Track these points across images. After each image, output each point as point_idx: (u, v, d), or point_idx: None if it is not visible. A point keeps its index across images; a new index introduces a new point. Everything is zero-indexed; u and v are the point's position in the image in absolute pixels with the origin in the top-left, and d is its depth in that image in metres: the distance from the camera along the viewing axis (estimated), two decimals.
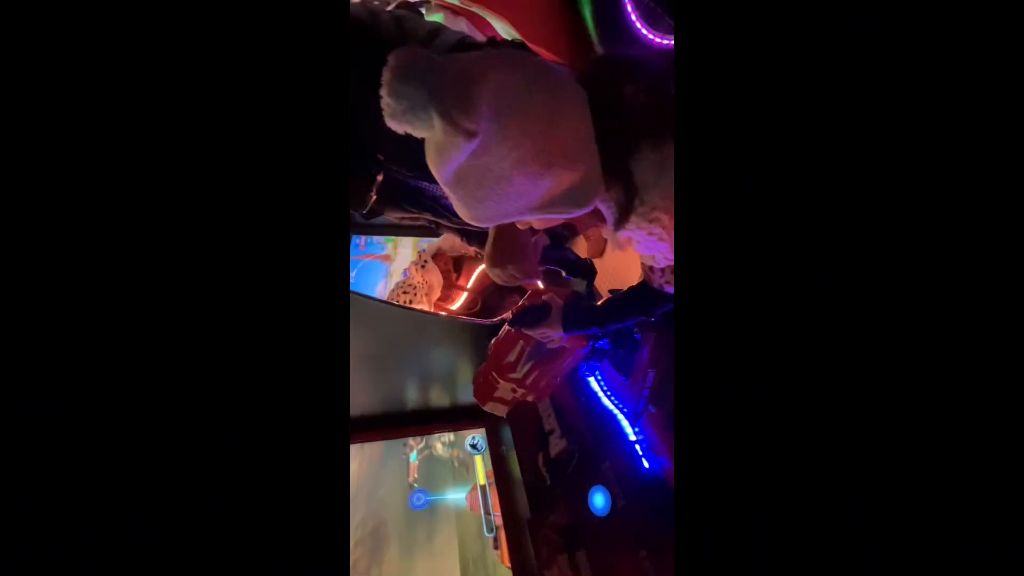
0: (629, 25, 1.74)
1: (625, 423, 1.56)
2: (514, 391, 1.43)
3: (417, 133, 0.76)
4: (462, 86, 0.72)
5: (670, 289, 1.03)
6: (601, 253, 1.51)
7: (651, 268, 1.03)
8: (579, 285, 1.52)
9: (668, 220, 0.84)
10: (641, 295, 1.11)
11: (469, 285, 1.99)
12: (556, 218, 0.83)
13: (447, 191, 0.80)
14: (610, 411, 1.62)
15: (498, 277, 1.16)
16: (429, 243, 2.16)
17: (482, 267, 1.94)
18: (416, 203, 1.30)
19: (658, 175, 0.83)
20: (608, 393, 1.65)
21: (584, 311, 1.25)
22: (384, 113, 0.72)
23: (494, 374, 1.41)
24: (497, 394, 1.44)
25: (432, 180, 0.98)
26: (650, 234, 0.86)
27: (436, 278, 1.99)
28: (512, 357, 1.43)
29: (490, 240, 1.14)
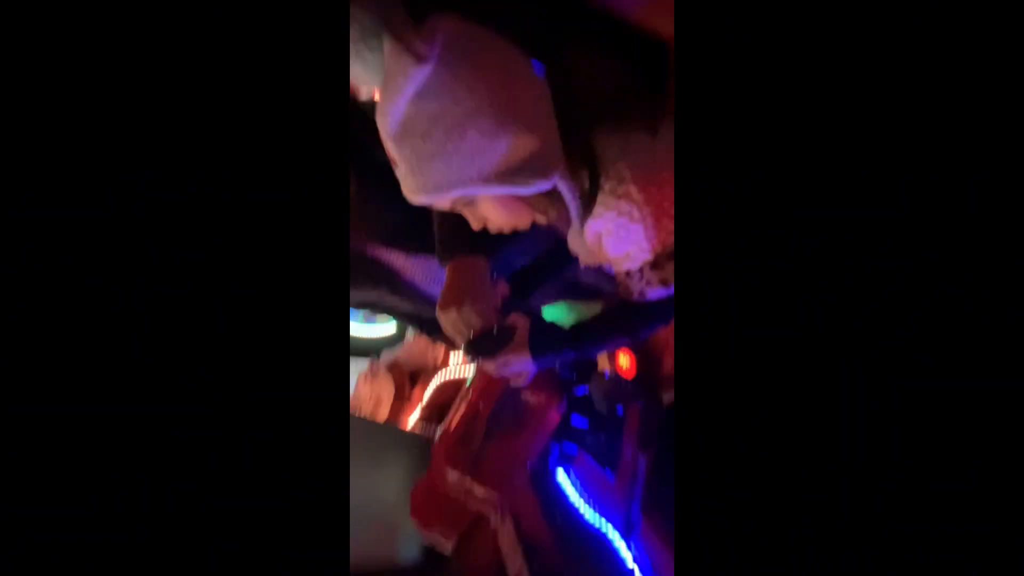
0: None
1: (617, 541, 1.28)
2: (468, 492, 1.17)
3: (365, 71, 0.72)
4: (418, 20, 0.69)
5: (653, 293, 0.91)
6: None
7: (627, 274, 0.92)
8: None
9: (637, 192, 0.80)
10: (620, 310, 0.99)
11: (424, 400, 1.75)
12: (516, 191, 0.75)
13: (394, 151, 0.72)
14: (595, 527, 1.34)
15: (452, 325, 1.03)
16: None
17: (440, 378, 1.76)
18: (372, 278, 1.25)
19: (622, 148, 0.80)
20: (589, 500, 1.37)
21: (556, 330, 1.05)
22: None
23: (443, 464, 1.17)
24: (446, 507, 1.16)
25: (393, 243, 1.11)
26: (620, 214, 0.82)
27: (387, 389, 1.79)
28: (467, 430, 1.20)
29: (446, 281, 1.04)
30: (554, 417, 1.29)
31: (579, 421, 1.31)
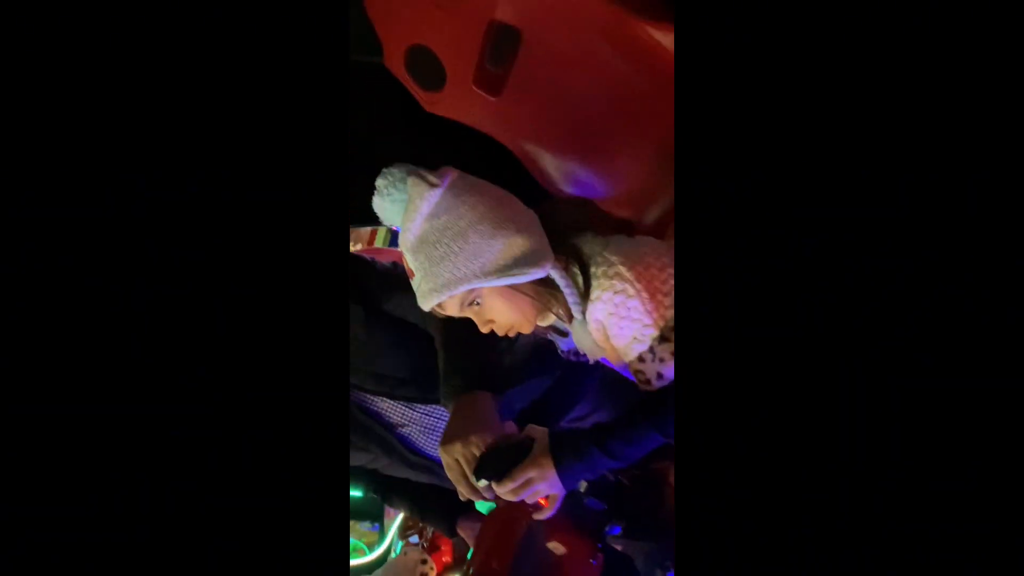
0: None
1: None
2: None
3: (392, 207, 0.89)
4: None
5: (669, 370, 0.90)
6: None
7: (640, 359, 0.91)
8: None
9: (627, 271, 0.88)
10: (645, 403, 0.93)
11: None
12: (514, 281, 0.87)
13: (411, 262, 0.88)
14: None
15: (455, 465, 0.96)
16: None
17: None
18: (368, 435, 1.23)
19: (604, 243, 0.93)
20: None
21: (580, 435, 0.93)
22: (375, 194, 0.90)
23: None
24: None
25: (392, 395, 1.21)
26: (615, 292, 0.89)
27: None
28: None
29: (450, 417, 1.04)
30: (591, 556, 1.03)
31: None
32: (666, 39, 1.00)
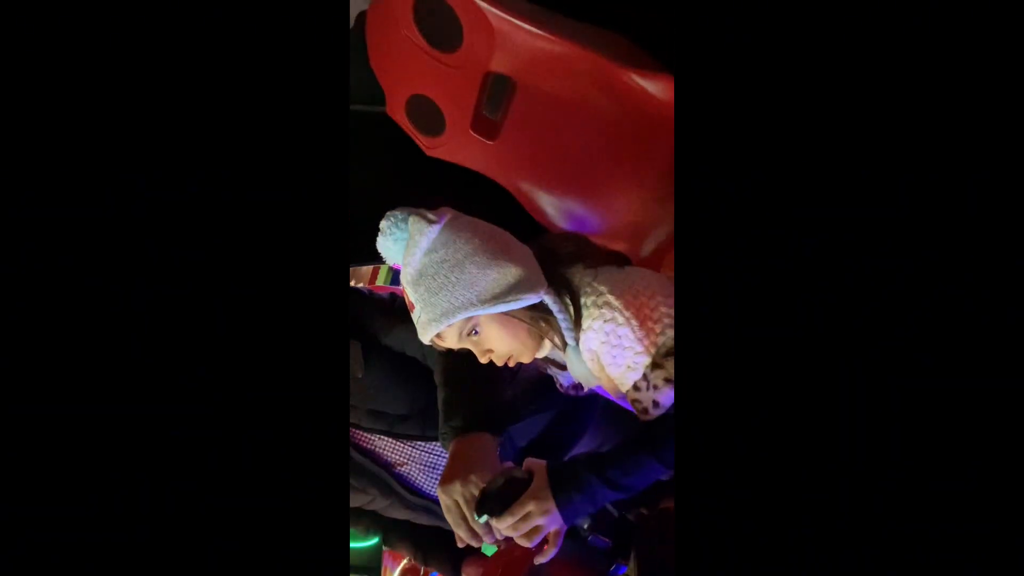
0: None
1: None
2: None
3: (394, 245, 0.94)
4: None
5: (664, 397, 0.90)
6: None
7: (635, 388, 0.92)
8: None
9: (616, 300, 0.91)
10: (642, 432, 0.93)
11: None
12: (509, 307, 0.90)
13: (411, 295, 0.92)
14: None
15: (454, 507, 0.96)
16: None
17: None
18: (365, 476, 1.21)
19: (593, 274, 0.97)
20: None
21: (577, 467, 0.93)
22: (379, 235, 0.95)
23: None
24: None
25: (391, 432, 1.22)
26: (605, 321, 0.91)
27: None
28: None
29: (449, 457, 1.03)
30: None
31: None
32: (651, 86, 1.08)
